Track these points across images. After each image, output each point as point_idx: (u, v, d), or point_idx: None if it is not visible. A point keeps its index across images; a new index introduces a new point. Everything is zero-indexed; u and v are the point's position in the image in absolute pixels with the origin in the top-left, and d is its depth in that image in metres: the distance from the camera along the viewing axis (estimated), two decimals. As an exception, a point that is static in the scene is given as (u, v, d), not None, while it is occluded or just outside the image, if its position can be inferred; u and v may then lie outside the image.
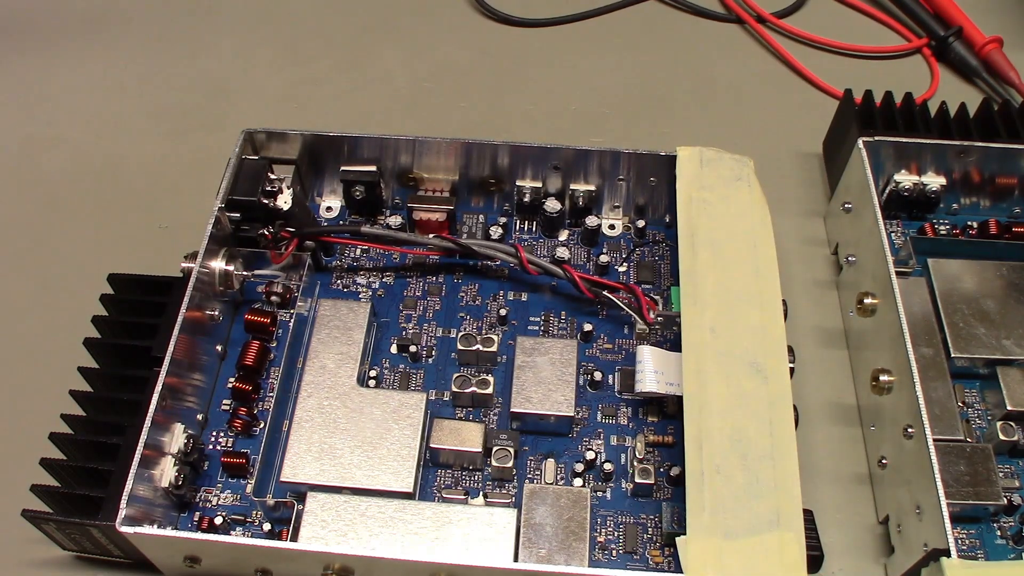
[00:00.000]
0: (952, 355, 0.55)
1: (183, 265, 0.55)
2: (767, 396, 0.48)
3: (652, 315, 0.56)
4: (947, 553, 0.45)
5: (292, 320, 0.57)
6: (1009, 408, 0.54)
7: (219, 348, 0.57)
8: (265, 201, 0.57)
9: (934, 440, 0.48)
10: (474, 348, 0.56)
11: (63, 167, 0.71)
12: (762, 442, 0.47)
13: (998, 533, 0.51)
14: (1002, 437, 0.53)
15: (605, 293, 0.57)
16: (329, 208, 0.65)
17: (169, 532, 0.47)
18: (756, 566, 0.44)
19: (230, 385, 0.56)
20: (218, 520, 0.51)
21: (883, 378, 0.52)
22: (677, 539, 0.45)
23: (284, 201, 0.58)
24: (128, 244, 0.66)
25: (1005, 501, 0.51)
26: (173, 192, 0.69)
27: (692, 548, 0.44)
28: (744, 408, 0.48)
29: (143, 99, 0.76)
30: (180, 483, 0.50)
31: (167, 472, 0.50)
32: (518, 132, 0.73)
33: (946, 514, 0.45)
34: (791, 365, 0.51)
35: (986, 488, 0.51)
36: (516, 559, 0.48)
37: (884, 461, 0.53)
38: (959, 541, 0.51)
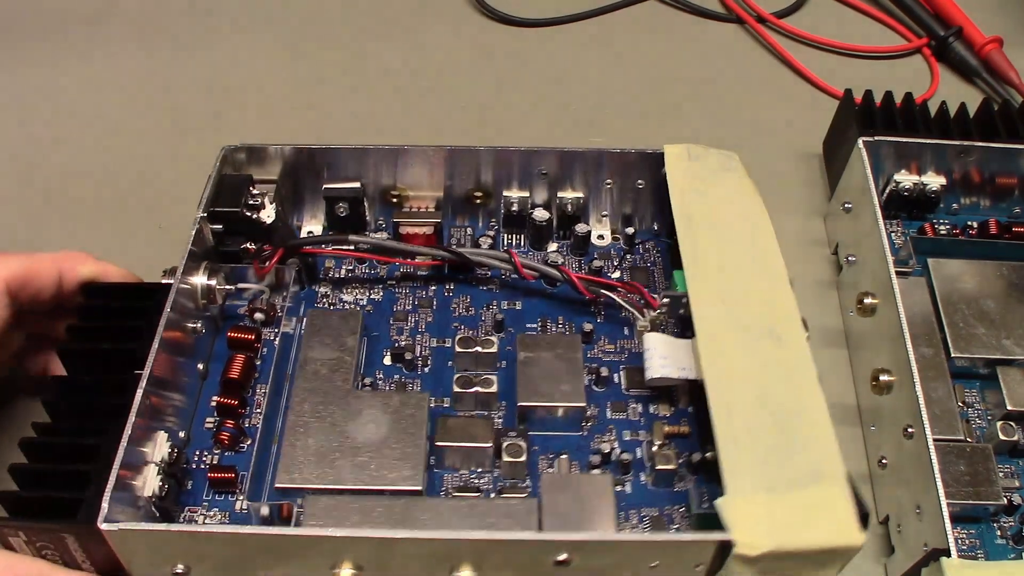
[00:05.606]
0: (952, 355, 0.55)
1: (163, 281, 0.53)
2: (786, 358, 0.48)
3: (657, 299, 0.55)
4: (947, 553, 0.45)
5: (278, 339, 0.55)
6: (1009, 408, 0.54)
7: (200, 367, 0.54)
8: (248, 213, 0.56)
9: (934, 440, 0.47)
10: (473, 350, 0.55)
11: (63, 167, 0.71)
12: (789, 402, 0.46)
13: (998, 533, 0.51)
14: (1002, 437, 0.53)
15: (604, 291, 0.56)
16: (310, 233, 0.63)
17: (160, 526, 0.43)
18: (806, 521, 0.42)
19: (214, 402, 0.53)
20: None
21: (883, 378, 0.52)
22: (716, 501, 0.43)
23: (267, 215, 0.57)
24: (126, 244, 0.66)
25: (1005, 501, 0.51)
26: (172, 192, 0.69)
27: (734, 506, 0.42)
28: (765, 372, 0.47)
29: (143, 99, 0.76)
30: (164, 494, 0.47)
31: (150, 481, 0.47)
32: (517, 133, 0.73)
33: (946, 514, 0.45)
34: (807, 333, 0.49)
35: (986, 488, 0.51)
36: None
37: (884, 461, 0.53)
38: (959, 541, 0.51)
